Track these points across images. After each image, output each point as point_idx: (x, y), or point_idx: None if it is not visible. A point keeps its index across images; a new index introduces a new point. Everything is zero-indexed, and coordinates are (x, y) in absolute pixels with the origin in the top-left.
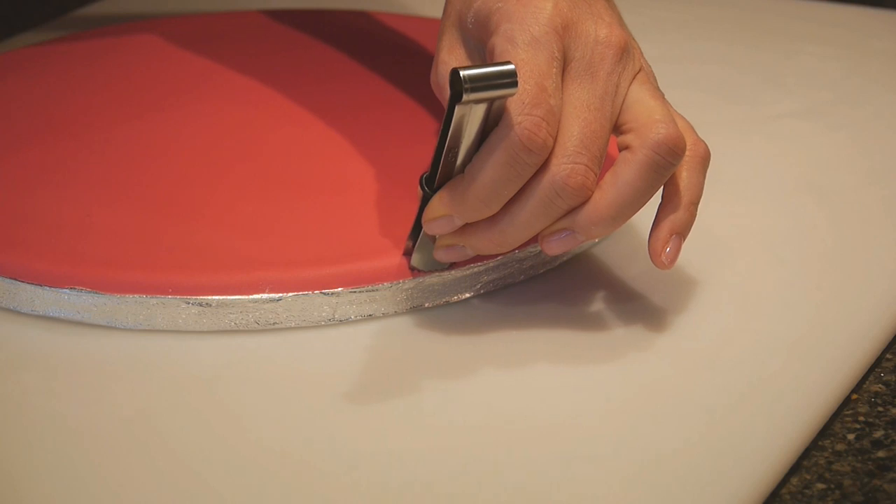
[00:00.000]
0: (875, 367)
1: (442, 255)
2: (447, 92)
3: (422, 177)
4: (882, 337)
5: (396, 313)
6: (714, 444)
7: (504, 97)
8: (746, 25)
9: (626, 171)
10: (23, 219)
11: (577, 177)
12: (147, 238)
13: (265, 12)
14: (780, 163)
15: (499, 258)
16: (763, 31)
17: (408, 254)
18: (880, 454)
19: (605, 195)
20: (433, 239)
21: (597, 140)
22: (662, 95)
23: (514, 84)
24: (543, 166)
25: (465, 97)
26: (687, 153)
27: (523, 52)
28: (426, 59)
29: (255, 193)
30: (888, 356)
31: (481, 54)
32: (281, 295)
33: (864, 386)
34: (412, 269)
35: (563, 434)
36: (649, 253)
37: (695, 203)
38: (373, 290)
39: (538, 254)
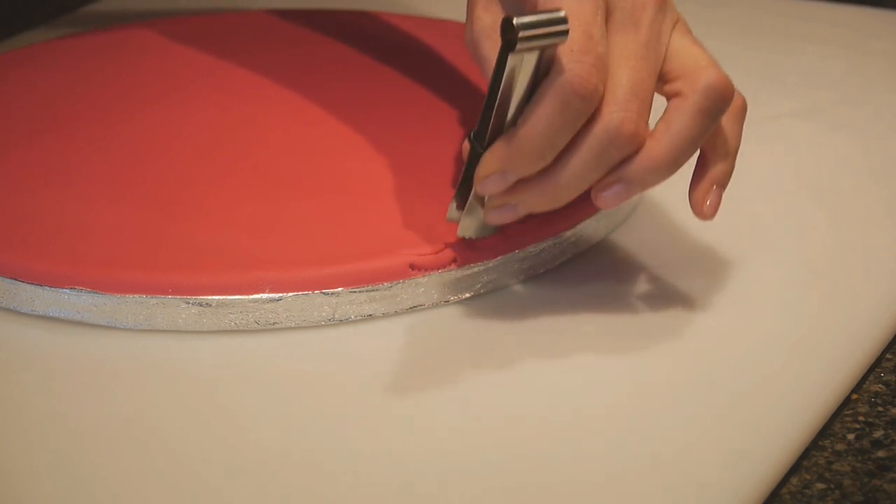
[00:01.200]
0: (875, 367)
1: (493, 217)
2: (483, 48)
3: (469, 134)
4: (882, 337)
5: (396, 313)
6: (714, 444)
7: (556, 45)
8: (746, 25)
9: (679, 117)
10: (23, 219)
11: (629, 125)
12: (147, 238)
13: (267, 12)
14: (780, 162)
15: (498, 258)
16: (763, 31)
17: (452, 220)
18: (880, 454)
19: (660, 143)
20: (482, 202)
21: (645, 88)
22: (702, 45)
23: (566, 31)
24: (594, 116)
25: (518, 45)
26: None
27: (570, 0)
28: (429, 59)
29: (256, 193)
30: (888, 356)
31: (520, 11)
32: (281, 295)
33: (864, 386)
34: (460, 236)
35: (560, 434)
36: (691, 204)
37: (733, 154)
38: (373, 290)
39: (538, 254)
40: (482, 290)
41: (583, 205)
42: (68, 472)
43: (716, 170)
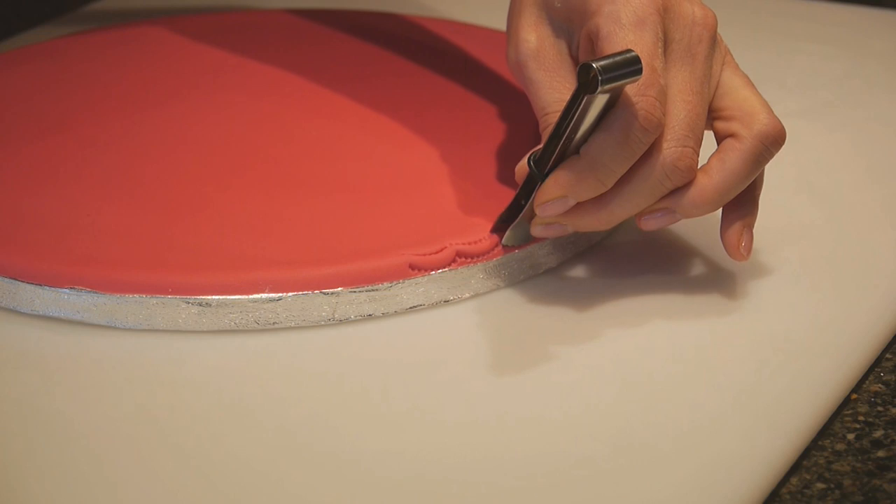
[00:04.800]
0: (875, 367)
1: (542, 232)
2: (530, 70)
3: (529, 159)
4: (882, 337)
5: (396, 313)
6: (714, 444)
7: (629, 84)
8: (746, 25)
9: (734, 157)
10: (23, 219)
11: (686, 160)
12: (147, 238)
13: (271, 11)
14: (780, 163)
15: (498, 258)
16: (763, 31)
17: (498, 231)
18: (880, 454)
19: (712, 179)
20: (529, 218)
21: (700, 123)
22: (752, 83)
23: (640, 71)
24: (653, 147)
25: (599, 88)
26: None
27: (631, 33)
28: (435, 61)
29: (255, 193)
30: (888, 356)
31: (568, 34)
32: (281, 295)
33: (864, 386)
34: (503, 245)
35: (558, 436)
36: (726, 246)
37: (759, 196)
38: (373, 290)
39: (537, 254)
40: (482, 291)
41: None
42: (68, 471)
43: (744, 212)
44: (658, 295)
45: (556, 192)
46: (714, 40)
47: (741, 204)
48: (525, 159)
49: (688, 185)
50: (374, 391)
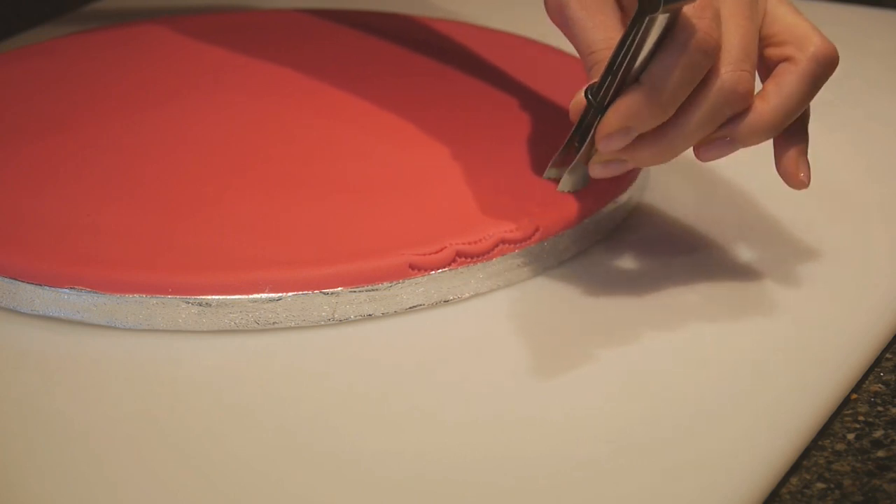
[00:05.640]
0: (875, 367)
1: (602, 171)
2: (571, 9)
3: (586, 91)
4: (882, 337)
5: (396, 313)
6: (714, 444)
7: (687, 4)
8: None
9: (790, 80)
10: (23, 219)
11: (744, 83)
12: (147, 238)
13: (271, 11)
14: None
15: (498, 258)
16: None
17: (552, 178)
18: (880, 454)
19: (769, 103)
20: (586, 159)
21: (753, 47)
22: (797, 9)
23: None
24: (710, 73)
25: (662, 7)
26: None
27: None
28: (440, 62)
29: (255, 193)
30: (888, 356)
31: None
32: (281, 295)
33: (864, 386)
34: (560, 191)
35: (558, 436)
36: (785, 176)
37: (807, 125)
38: (372, 290)
39: (538, 254)
40: (482, 291)
41: (584, 203)
42: (68, 471)
43: (799, 140)
44: (656, 297)
45: (619, 122)
46: None
47: (793, 133)
48: (580, 93)
49: (745, 111)
50: (374, 391)
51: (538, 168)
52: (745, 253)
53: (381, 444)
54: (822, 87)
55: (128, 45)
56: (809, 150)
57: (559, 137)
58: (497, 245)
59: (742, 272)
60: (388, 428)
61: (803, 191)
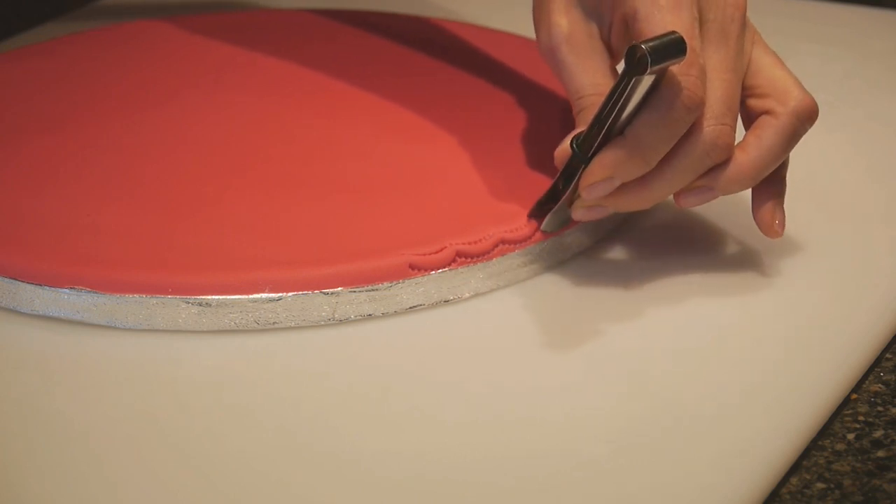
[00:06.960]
0: (875, 367)
1: (583, 215)
2: (562, 53)
3: (572, 142)
4: (882, 337)
5: (396, 313)
6: (714, 444)
7: (674, 64)
8: None
9: (770, 134)
10: (23, 219)
11: (725, 137)
12: (147, 238)
13: (271, 11)
14: None
15: (498, 259)
16: (763, 31)
17: (535, 217)
18: (880, 454)
19: (749, 155)
20: (569, 202)
21: (735, 101)
22: (783, 62)
23: (685, 52)
24: (692, 126)
25: (649, 69)
26: None
27: (669, 14)
28: (441, 62)
29: (255, 193)
30: (888, 356)
31: (598, 18)
32: (281, 295)
33: (864, 386)
34: (543, 231)
35: (558, 436)
36: (761, 225)
37: (786, 175)
38: (372, 290)
39: (538, 254)
40: (482, 291)
41: None
42: (68, 471)
43: (776, 190)
44: (655, 297)
45: (603, 173)
46: (744, 20)
47: (771, 182)
48: (566, 142)
49: (726, 162)
50: (374, 391)
51: (538, 168)
52: (745, 253)
53: (380, 444)
54: (823, 88)
55: (128, 45)
56: (809, 150)
57: (559, 137)
58: (497, 245)
59: (742, 272)
60: (388, 428)
61: (803, 191)
